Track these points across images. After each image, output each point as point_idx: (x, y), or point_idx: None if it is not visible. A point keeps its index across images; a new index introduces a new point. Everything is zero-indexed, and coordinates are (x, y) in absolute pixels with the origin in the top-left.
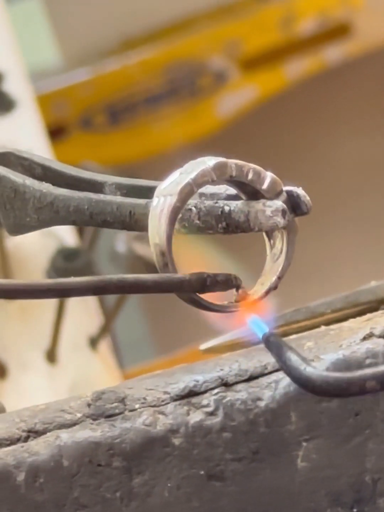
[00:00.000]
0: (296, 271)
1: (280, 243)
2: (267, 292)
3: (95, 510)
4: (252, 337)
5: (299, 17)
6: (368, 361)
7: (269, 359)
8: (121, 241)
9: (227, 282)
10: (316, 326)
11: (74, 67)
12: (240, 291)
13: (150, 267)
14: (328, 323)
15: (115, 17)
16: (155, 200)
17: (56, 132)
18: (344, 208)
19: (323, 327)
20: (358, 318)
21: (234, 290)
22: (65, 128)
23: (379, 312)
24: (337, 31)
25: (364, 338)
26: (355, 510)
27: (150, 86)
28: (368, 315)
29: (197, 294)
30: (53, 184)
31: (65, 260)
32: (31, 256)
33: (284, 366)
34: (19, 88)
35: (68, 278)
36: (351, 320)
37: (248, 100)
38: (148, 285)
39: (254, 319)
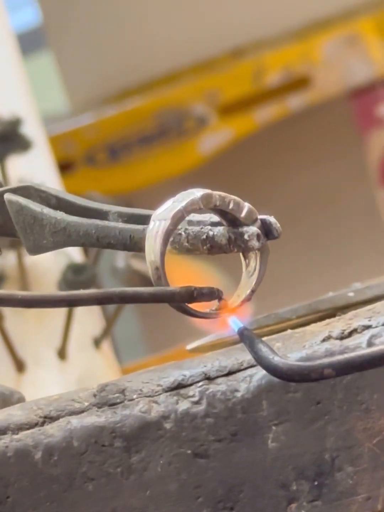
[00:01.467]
0: (267, 283)
1: (254, 262)
2: (243, 303)
3: (100, 482)
4: (230, 333)
5: (267, 71)
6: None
7: (244, 357)
8: (121, 258)
9: (211, 294)
10: (283, 329)
11: (79, 113)
12: (221, 301)
13: (145, 280)
14: (293, 327)
15: (114, 71)
16: (151, 223)
17: (65, 167)
18: (306, 229)
19: (289, 331)
20: (318, 323)
21: (216, 300)
22: (72, 164)
23: (336, 318)
24: (299, 83)
25: (324, 340)
26: (316, 482)
27: (143, 128)
28: (327, 321)
29: (186, 304)
30: (66, 213)
31: (74, 274)
32: (45, 271)
33: (256, 356)
34: (34, 131)
35: (78, 290)
36: (313, 324)
37: (225, 141)
38: (145, 296)
39: (232, 318)
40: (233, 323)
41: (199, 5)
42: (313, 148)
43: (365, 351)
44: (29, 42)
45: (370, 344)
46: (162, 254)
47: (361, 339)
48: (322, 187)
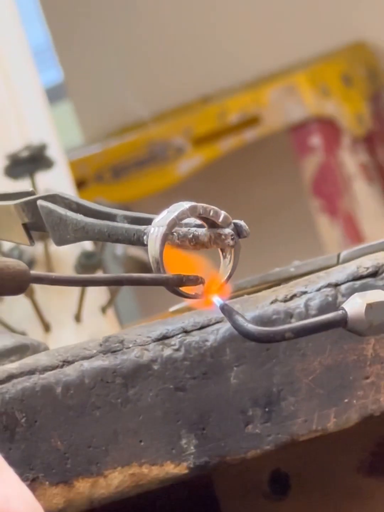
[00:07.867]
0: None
1: (229, 255)
2: (222, 286)
3: (105, 410)
4: (213, 308)
5: (229, 112)
6: (274, 317)
7: (212, 315)
8: (120, 247)
9: (196, 280)
10: (241, 295)
11: (90, 144)
12: (204, 285)
13: (138, 263)
14: (249, 293)
15: (116, 114)
16: (152, 229)
17: (79, 184)
18: (258, 230)
19: (245, 296)
20: (267, 290)
21: (201, 284)
22: (85, 182)
23: (281, 286)
24: (251, 121)
25: (272, 302)
26: (267, 409)
27: (138, 155)
28: (274, 288)
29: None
30: (84, 215)
31: (86, 259)
32: (65, 256)
33: (234, 324)
34: (56, 154)
35: (94, 274)
36: (263, 291)
37: (197, 164)
38: (147, 280)
39: (215, 297)
40: (216, 300)
41: (175, 63)
42: (263, 170)
43: (316, 319)
44: (54, 95)
45: (306, 306)
46: (161, 252)
47: (299, 301)
48: (269, 197)
